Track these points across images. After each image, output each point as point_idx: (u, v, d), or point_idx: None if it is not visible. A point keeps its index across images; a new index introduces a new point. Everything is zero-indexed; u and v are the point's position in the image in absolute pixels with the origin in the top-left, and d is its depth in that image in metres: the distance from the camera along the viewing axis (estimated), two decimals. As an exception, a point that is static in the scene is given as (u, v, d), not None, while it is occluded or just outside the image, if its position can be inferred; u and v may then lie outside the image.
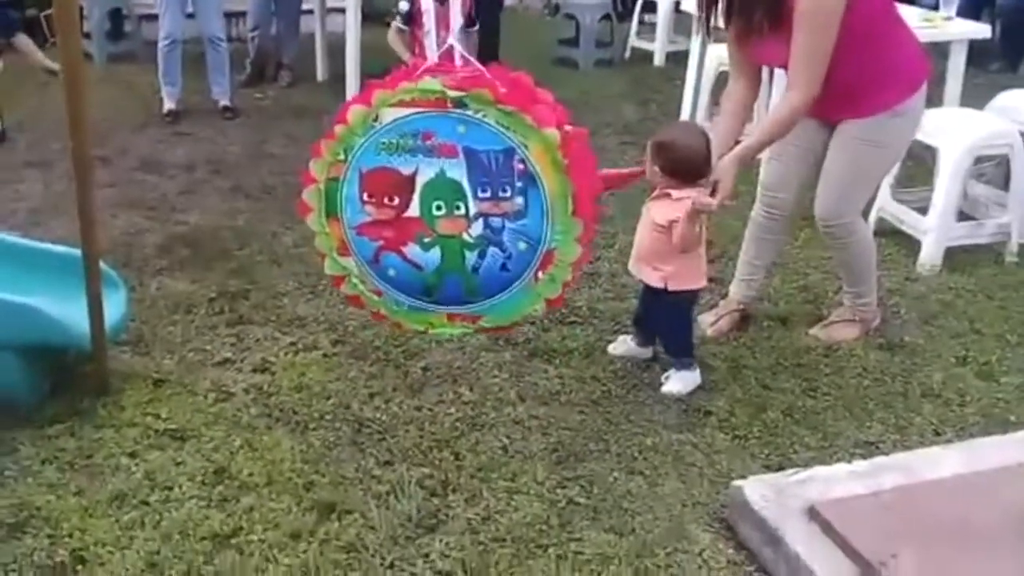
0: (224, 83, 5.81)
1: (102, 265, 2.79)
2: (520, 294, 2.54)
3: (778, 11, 2.62)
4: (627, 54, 7.46)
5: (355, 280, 2.65)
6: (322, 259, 2.68)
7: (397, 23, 4.53)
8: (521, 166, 2.39)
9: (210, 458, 2.56)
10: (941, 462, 2.42)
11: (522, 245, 2.47)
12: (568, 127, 2.44)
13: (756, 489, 2.31)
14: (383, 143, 2.44)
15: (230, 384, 2.90)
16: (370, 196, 2.51)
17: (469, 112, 2.37)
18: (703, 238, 2.78)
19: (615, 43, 7.44)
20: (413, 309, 2.64)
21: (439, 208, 2.47)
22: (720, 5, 2.77)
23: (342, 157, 2.49)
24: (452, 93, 2.36)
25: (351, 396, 2.85)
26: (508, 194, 2.42)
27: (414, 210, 2.49)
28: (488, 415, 2.77)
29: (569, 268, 2.49)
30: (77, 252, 2.69)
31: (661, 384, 2.89)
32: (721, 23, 2.80)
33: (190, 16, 5.71)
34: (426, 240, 2.52)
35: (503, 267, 2.51)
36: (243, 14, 6.89)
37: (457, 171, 2.42)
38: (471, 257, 2.51)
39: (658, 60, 7.11)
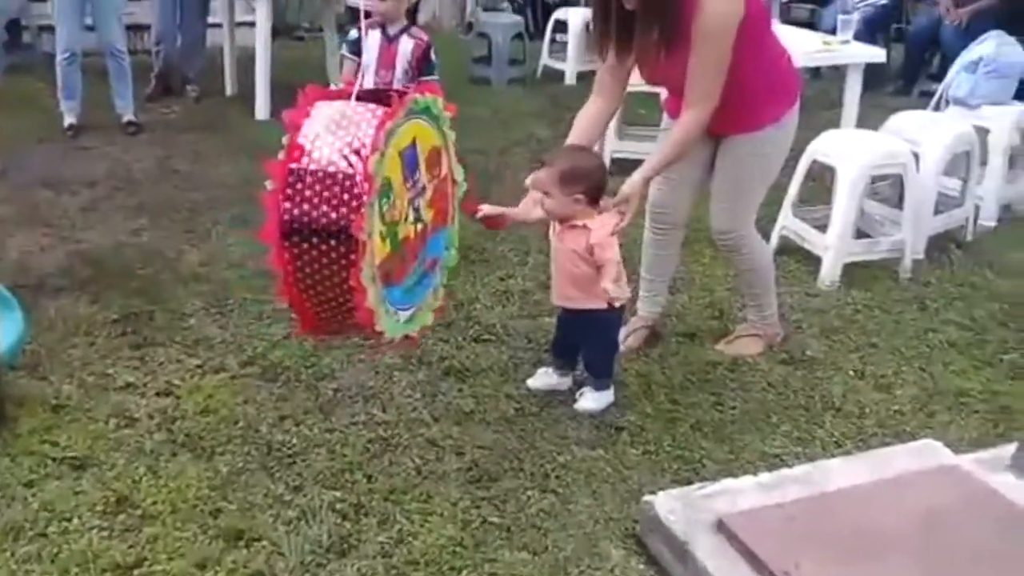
0: (127, 96, 5.65)
1: (-4, 286, 2.68)
2: None
3: (676, 30, 2.67)
4: (539, 73, 7.55)
5: None
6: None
7: (344, 51, 4.30)
8: None
9: (111, 487, 2.47)
10: (843, 473, 2.50)
11: None
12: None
13: (665, 504, 2.35)
14: None
15: (133, 409, 2.82)
16: None
17: None
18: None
19: (527, 62, 7.52)
20: None
21: None
22: (613, 32, 2.77)
23: None
24: None
25: (260, 419, 2.79)
26: None
27: None
28: (401, 436, 2.74)
29: None
30: (-32, 274, 2.58)
31: (575, 401, 2.92)
32: (612, 53, 2.81)
33: (90, 28, 5.55)
34: None
35: None
36: (147, 27, 6.73)
37: None
38: None
39: (569, 79, 7.21)
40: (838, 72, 5.96)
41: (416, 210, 2.42)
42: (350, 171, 2.14)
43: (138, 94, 5.83)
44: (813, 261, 3.96)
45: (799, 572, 2.09)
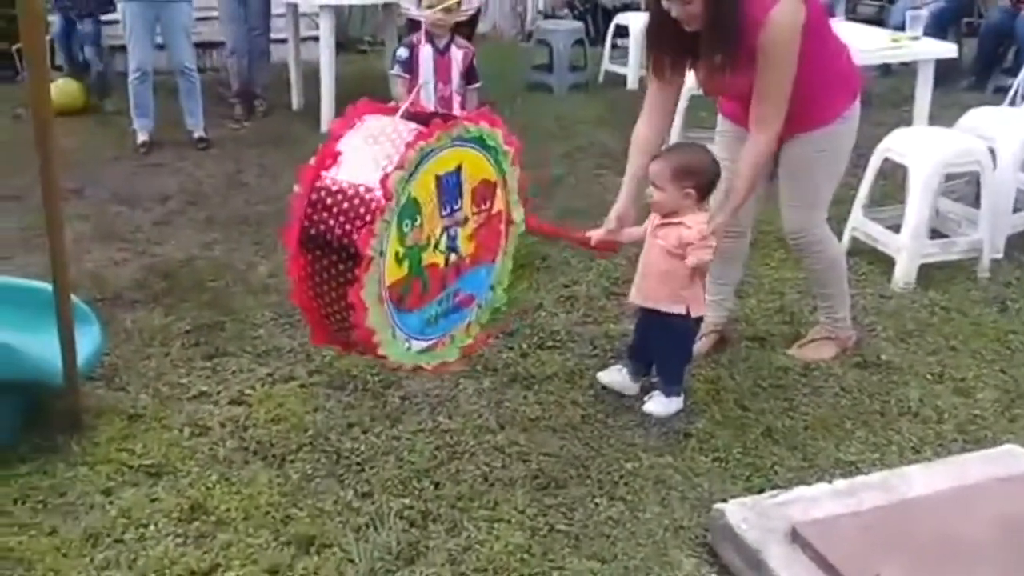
0: (197, 113, 5.80)
1: (74, 299, 2.76)
2: None
3: (739, 51, 2.65)
4: (600, 78, 7.52)
5: None
6: None
7: (396, 71, 4.33)
8: None
9: (186, 494, 2.52)
10: (920, 480, 2.43)
11: None
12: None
13: (737, 512, 2.30)
14: None
15: (206, 418, 2.87)
16: None
17: None
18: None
19: (588, 67, 7.50)
20: None
21: None
22: (669, 53, 2.77)
23: None
24: None
25: (329, 427, 2.82)
26: None
27: None
28: (467, 443, 2.75)
29: None
30: (48, 286, 2.65)
31: (643, 403, 2.88)
32: (667, 72, 2.81)
33: (161, 48, 5.70)
34: None
35: None
36: (216, 45, 6.90)
37: None
38: None
39: (631, 83, 7.17)
40: (908, 68, 5.81)
41: (452, 239, 2.34)
42: (371, 186, 2.10)
43: (208, 111, 5.97)
44: (886, 262, 3.85)
45: (879, 582, 2.03)
